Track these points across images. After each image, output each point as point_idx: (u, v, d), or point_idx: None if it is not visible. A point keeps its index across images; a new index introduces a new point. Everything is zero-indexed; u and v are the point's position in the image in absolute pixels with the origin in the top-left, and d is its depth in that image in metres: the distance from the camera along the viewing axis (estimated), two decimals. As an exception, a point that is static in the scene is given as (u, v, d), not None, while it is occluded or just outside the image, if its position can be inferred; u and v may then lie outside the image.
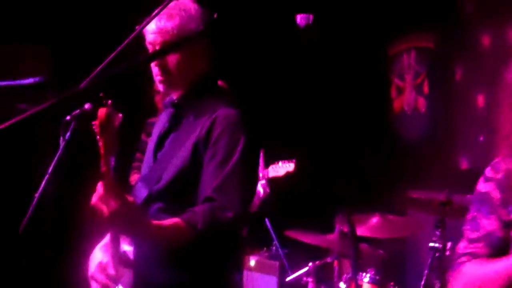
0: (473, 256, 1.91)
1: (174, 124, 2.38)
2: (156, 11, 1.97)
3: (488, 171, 1.92)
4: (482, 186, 1.93)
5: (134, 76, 1.64)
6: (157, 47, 2.28)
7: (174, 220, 2.11)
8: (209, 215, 2.11)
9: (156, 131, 2.47)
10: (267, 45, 5.04)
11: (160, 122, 2.48)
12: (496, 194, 1.89)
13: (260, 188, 4.29)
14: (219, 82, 2.43)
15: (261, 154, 4.41)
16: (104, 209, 1.94)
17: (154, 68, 2.32)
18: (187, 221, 2.10)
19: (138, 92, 4.39)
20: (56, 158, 2.06)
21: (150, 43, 2.30)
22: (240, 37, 4.44)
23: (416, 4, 5.50)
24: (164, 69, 2.30)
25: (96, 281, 2.31)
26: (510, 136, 1.88)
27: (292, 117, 4.78)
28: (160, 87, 2.36)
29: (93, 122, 1.99)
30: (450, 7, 5.36)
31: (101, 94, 1.96)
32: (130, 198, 2.01)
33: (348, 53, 5.77)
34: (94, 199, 1.97)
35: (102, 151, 1.97)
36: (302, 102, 5.52)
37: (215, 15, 1.80)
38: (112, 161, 2.00)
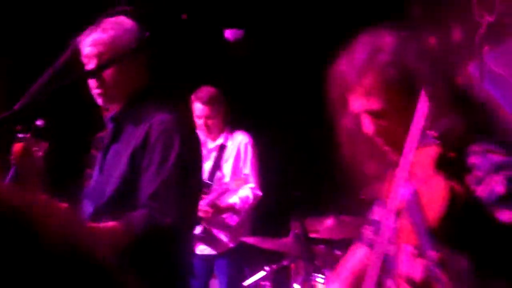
0: (363, 239, 2.09)
1: (114, 138, 2.41)
2: (91, 27, 2.01)
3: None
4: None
5: (80, 91, 1.68)
6: (93, 60, 2.30)
7: (112, 223, 2.14)
8: (146, 220, 2.14)
9: (102, 148, 2.50)
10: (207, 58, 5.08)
11: (103, 138, 2.51)
12: None
13: (249, 193, 4.31)
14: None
15: (252, 153, 4.39)
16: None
17: (92, 82, 2.34)
18: (125, 225, 2.13)
19: (86, 107, 4.39)
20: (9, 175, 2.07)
21: (86, 57, 2.32)
22: (179, 51, 4.47)
23: (363, 11, 5.60)
24: (101, 83, 2.33)
25: None
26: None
27: (246, 122, 4.82)
28: (98, 100, 2.39)
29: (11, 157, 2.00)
30: (397, 10, 5.47)
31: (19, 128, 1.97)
32: (64, 205, 2.03)
33: (313, 62, 5.82)
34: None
35: (23, 183, 1.99)
36: (253, 106, 5.57)
37: (147, 34, 1.85)
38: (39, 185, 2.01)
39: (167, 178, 2.20)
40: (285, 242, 3.92)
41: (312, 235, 3.82)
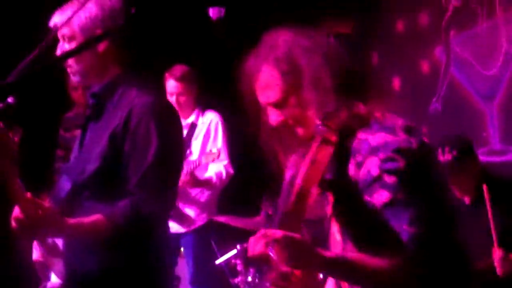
0: None
1: (95, 115, 2.39)
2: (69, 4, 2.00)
3: None
4: None
5: (48, 71, 1.68)
6: (68, 40, 2.28)
7: (96, 217, 2.15)
8: (130, 210, 2.15)
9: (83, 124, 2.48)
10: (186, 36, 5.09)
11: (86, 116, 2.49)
12: None
13: (223, 170, 4.32)
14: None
15: (223, 131, 4.40)
16: (23, 219, 1.99)
17: (71, 60, 2.30)
18: (108, 217, 2.14)
19: (54, 87, 4.38)
20: None
21: (61, 36, 2.29)
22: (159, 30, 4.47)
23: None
24: (76, 62, 2.30)
25: (36, 250, 2.35)
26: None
27: (220, 103, 4.85)
28: (75, 79, 2.36)
29: None
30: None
31: None
32: (46, 204, 2.05)
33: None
34: (14, 213, 2.02)
35: (4, 173, 1.99)
36: (226, 88, 5.60)
37: (133, 10, 1.85)
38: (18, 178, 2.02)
39: (151, 165, 2.20)
40: (257, 221, 3.99)
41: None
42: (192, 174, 4.16)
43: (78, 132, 3.76)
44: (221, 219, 4.15)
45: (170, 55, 4.72)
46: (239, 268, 4.02)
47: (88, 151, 2.32)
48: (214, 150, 4.07)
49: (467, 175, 3.41)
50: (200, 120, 4.45)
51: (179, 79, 4.33)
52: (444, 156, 3.34)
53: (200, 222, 4.40)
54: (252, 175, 4.83)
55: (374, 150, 1.70)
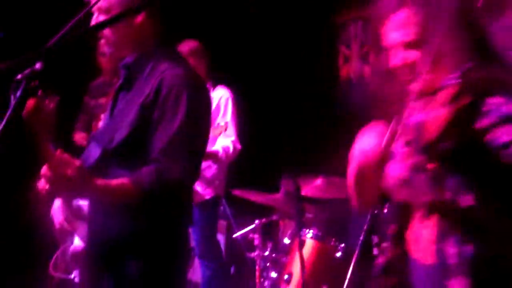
0: None
1: (126, 85, 2.44)
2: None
3: None
4: None
5: (81, 39, 1.72)
6: (103, 12, 2.33)
7: (122, 180, 2.19)
8: (155, 176, 2.19)
9: (114, 94, 2.53)
10: (215, 12, 5.12)
11: (117, 85, 2.54)
12: None
13: (230, 145, 4.35)
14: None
15: (233, 107, 4.43)
16: (52, 175, 2.04)
17: (102, 32, 2.37)
18: (134, 182, 2.18)
19: (82, 55, 4.43)
20: (6, 117, 2.10)
21: (96, 8, 2.35)
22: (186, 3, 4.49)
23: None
24: (111, 34, 2.36)
25: (55, 218, 2.41)
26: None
27: (241, 81, 4.88)
28: (107, 50, 2.42)
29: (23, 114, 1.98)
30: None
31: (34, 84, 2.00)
32: (77, 162, 2.08)
33: (296, 21, 5.90)
34: (43, 171, 2.07)
35: (38, 138, 2.05)
36: (251, 67, 5.63)
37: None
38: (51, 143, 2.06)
39: (176, 134, 2.24)
40: (276, 198, 4.03)
41: (302, 193, 3.92)
42: None
43: (103, 100, 3.83)
44: (240, 193, 4.19)
45: (184, 30, 4.75)
46: (256, 242, 4.07)
47: (118, 120, 2.38)
48: (222, 123, 4.10)
49: None
50: (211, 94, 4.49)
51: (188, 55, 4.36)
52: None
53: (206, 197, 4.44)
54: (271, 153, 4.89)
55: (506, 119, 1.73)
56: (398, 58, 1.88)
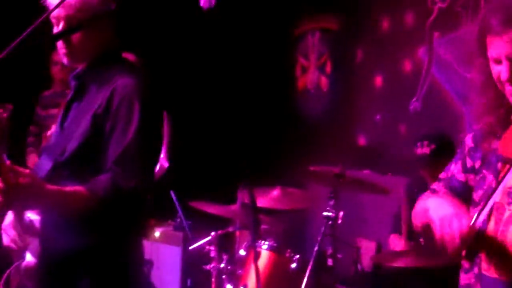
0: (432, 191, 2.15)
1: (77, 96, 2.42)
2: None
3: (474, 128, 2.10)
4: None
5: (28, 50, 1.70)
6: (61, 21, 2.32)
7: (76, 187, 2.17)
8: (110, 184, 2.17)
9: (65, 105, 2.50)
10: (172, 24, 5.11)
11: (69, 95, 2.51)
12: (469, 143, 2.10)
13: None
14: (126, 54, 2.46)
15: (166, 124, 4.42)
16: (4, 185, 1.99)
17: (59, 42, 2.35)
18: (89, 189, 2.16)
19: (33, 65, 4.38)
20: None
21: (54, 17, 2.33)
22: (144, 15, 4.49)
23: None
24: (68, 43, 2.34)
25: (6, 234, 2.36)
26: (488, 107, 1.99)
27: (198, 91, 4.88)
28: (64, 60, 2.40)
29: None
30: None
31: None
32: (27, 170, 2.05)
33: (255, 32, 5.92)
34: None
35: None
36: (209, 77, 5.63)
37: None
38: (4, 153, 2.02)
39: (130, 143, 2.22)
40: (232, 209, 4.02)
41: (259, 205, 3.92)
42: None
43: (54, 111, 3.76)
44: (196, 204, 4.17)
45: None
46: (212, 254, 4.05)
47: (69, 131, 2.35)
48: None
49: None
50: None
51: None
52: (422, 149, 3.53)
53: None
54: (227, 163, 4.88)
55: None
56: (505, 70, 1.86)
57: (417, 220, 2.07)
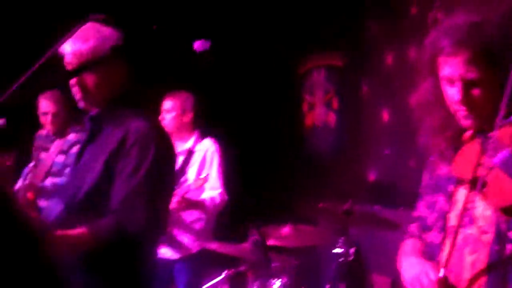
0: (410, 235, 2.18)
1: (91, 138, 2.45)
2: (70, 34, 2.09)
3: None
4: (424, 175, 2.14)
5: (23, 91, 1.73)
6: (74, 67, 2.37)
7: (80, 230, 2.19)
8: (115, 227, 2.19)
9: (78, 147, 2.55)
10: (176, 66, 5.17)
11: (81, 138, 2.58)
12: (425, 177, 2.12)
13: (217, 196, 4.36)
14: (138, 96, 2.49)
15: (219, 160, 4.46)
16: None
17: (74, 87, 2.41)
18: (92, 232, 2.18)
19: (27, 106, 4.43)
20: None
21: (68, 64, 2.39)
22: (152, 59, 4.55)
23: (324, 25, 5.77)
24: (83, 88, 2.39)
25: None
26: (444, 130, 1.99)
27: (206, 126, 4.91)
28: (80, 104, 2.45)
29: None
30: (356, 28, 5.65)
31: None
32: (33, 214, 2.07)
33: (261, 70, 5.98)
34: None
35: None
36: (215, 115, 5.67)
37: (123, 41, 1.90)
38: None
39: (138, 186, 2.23)
40: (243, 248, 4.01)
41: (270, 242, 3.91)
42: (184, 198, 4.18)
43: (42, 155, 3.78)
44: (211, 245, 4.17)
45: (167, 82, 4.80)
46: (225, 294, 4.03)
47: (82, 174, 2.37)
48: (202, 176, 4.10)
49: None
50: (198, 146, 4.52)
51: (179, 105, 4.45)
52: None
53: (193, 250, 4.42)
54: (241, 202, 4.89)
55: None
56: (458, 91, 1.85)
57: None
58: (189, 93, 4.55)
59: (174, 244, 4.35)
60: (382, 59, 5.48)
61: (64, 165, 4.66)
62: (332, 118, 5.97)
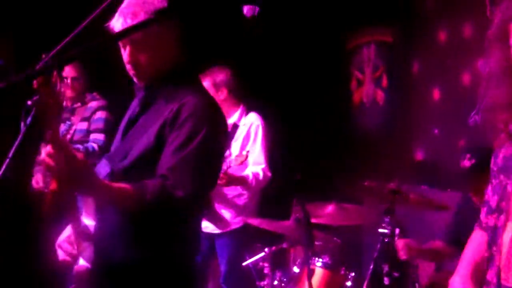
0: (478, 223, 2.11)
1: (144, 107, 2.44)
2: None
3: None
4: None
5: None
6: (128, 46, 2.36)
7: (125, 185, 2.16)
8: (159, 189, 2.16)
9: (127, 114, 2.53)
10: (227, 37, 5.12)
11: (132, 106, 2.54)
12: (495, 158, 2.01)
13: (260, 171, 4.34)
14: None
15: (263, 135, 4.43)
16: (53, 164, 2.00)
17: (127, 65, 2.40)
18: (137, 190, 2.15)
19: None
20: (17, 143, 2.08)
21: (121, 42, 2.38)
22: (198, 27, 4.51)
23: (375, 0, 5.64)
24: (136, 65, 2.38)
25: (62, 249, 2.38)
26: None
27: (254, 99, 4.87)
28: (135, 80, 2.44)
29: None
30: (409, 2, 5.51)
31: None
32: (79, 155, 2.06)
33: (310, 45, 5.89)
34: (43, 155, 2.02)
35: (49, 114, 1.99)
36: (264, 91, 5.63)
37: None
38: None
39: (188, 156, 2.23)
40: (286, 225, 3.98)
41: (313, 220, 3.87)
42: (226, 173, 4.16)
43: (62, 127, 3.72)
44: (254, 221, 4.15)
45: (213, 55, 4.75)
46: (266, 271, 4.01)
47: (132, 140, 2.38)
48: (244, 153, 4.08)
49: (485, 184, 3.41)
50: (242, 121, 4.49)
51: (222, 81, 4.44)
52: (463, 163, 3.42)
53: (235, 225, 4.41)
54: (284, 178, 4.85)
55: None
56: None
57: None
58: (223, 68, 4.49)
59: (216, 218, 4.33)
60: (435, 35, 5.32)
61: (87, 132, 4.71)
62: (380, 95, 5.85)
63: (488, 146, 3.80)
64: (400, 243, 3.52)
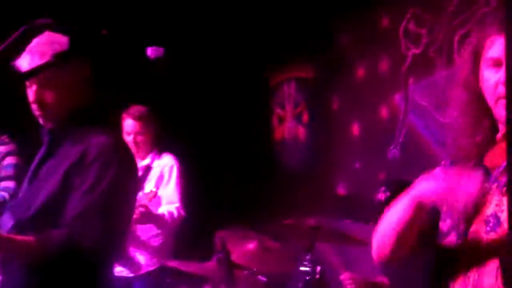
0: None
1: (50, 152, 2.36)
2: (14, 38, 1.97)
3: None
4: None
5: None
6: (34, 85, 2.30)
7: (28, 238, 2.10)
8: (65, 240, 2.10)
9: (35, 160, 2.44)
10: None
11: (40, 151, 2.44)
12: None
13: (174, 210, 4.25)
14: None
15: (178, 175, 4.34)
16: None
17: (33, 104, 2.33)
18: (41, 242, 2.09)
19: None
20: None
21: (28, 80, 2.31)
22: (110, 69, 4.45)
23: (295, 37, 5.70)
24: (42, 105, 2.32)
25: None
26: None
27: (175, 138, 4.81)
28: (40, 121, 2.37)
29: None
30: (327, 40, 5.59)
31: None
32: None
33: (232, 83, 5.89)
34: None
35: None
36: (185, 126, 5.59)
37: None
38: None
39: (95, 202, 2.16)
40: (207, 266, 3.89)
41: (235, 259, 3.80)
42: (145, 206, 4.04)
43: None
44: (173, 263, 4.04)
45: (124, 96, 4.69)
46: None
47: (37, 189, 2.29)
48: (153, 189, 4.01)
49: None
50: (156, 162, 4.42)
51: (137, 118, 4.36)
52: (379, 196, 3.44)
53: (150, 267, 4.29)
54: (206, 219, 4.78)
55: None
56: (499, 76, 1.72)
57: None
58: (147, 109, 4.43)
59: (130, 262, 4.20)
60: (353, 71, 5.41)
61: None
62: (302, 131, 5.88)
63: (405, 178, 3.85)
64: (345, 276, 3.50)
